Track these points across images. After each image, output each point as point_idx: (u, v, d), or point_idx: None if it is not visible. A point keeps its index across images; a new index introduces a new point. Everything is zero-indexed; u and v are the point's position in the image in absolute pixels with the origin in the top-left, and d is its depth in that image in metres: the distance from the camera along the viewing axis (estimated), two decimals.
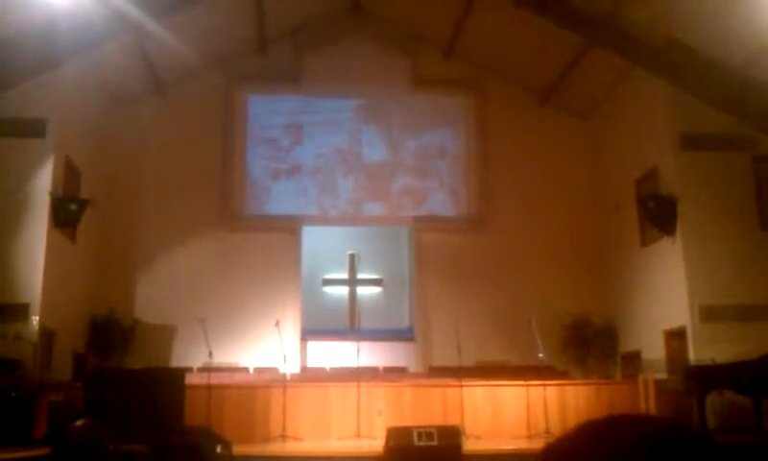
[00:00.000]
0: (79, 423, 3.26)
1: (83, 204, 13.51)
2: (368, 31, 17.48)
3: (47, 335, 12.61)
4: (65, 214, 13.17)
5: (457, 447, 9.01)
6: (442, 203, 17.16)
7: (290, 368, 13.26)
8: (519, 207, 16.93)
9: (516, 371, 13.34)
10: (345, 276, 17.19)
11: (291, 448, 10.51)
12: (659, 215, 13.67)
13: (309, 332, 16.24)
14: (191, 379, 11.35)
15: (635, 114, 15.17)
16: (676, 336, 13.45)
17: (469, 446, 9.75)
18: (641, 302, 14.85)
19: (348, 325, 16.44)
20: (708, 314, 12.96)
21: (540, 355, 12.28)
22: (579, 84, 16.28)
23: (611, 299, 16.07)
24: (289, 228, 16.63)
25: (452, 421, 10.92)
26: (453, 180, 17.31)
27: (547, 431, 11.27)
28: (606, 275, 16.38)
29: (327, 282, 17.21)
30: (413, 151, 17.38)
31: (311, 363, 15.86)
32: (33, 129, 12.98)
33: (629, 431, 0.94)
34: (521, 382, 12.07)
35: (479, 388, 12.02)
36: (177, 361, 14.73)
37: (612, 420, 0.98)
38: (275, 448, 10.45)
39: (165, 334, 15.48)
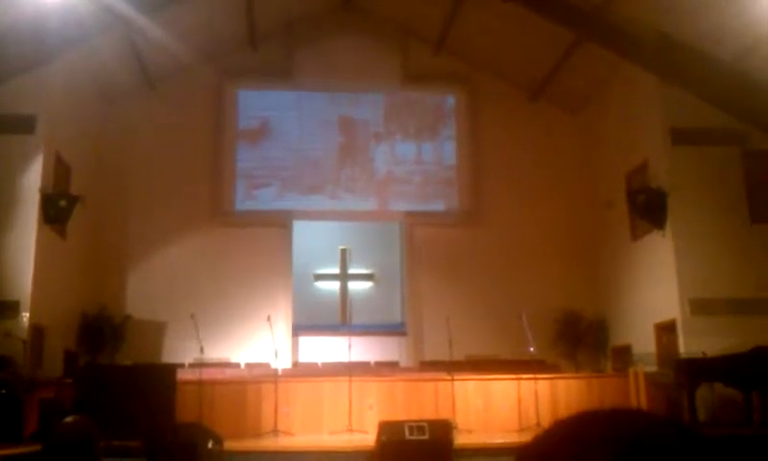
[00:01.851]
0: (69, 419, 3.26)
1: (73, 200, 13.45)
2: (358, 26, 17.48)
3: (37, 332, 12.56)
4: (55, 211, 13.12)
5: (448, 441, 9.03)
6: (433, 197, 17.17)
7: (281, 363, 13.27)
8: (511, 202, 16.97)
9: (507, 365, 13.39)
10: (336, 271, 17.19)
11: (283, 443, 10.53)
12: (649, 209, 13.69)
13: (301, 328, 16.24)
14: (182, 375, 11.36)
15: (625, 109, 15.22)
16: (666, 330, 13.50)
17: (461, 439, 9.77)
18: (632, 295, 14.91)
19: (340, 320, 16.45)
20: (699, 307, 13.01)
21: (531, 349, 12.31)
22: (569, 79, 16.31)
23: (601, 292, 16.13)
24: (280, 223, 16.61)
25: (444, 415, 10.94)
26: (444, 174, 17.32)
27: (538, 425, 11.29)
28: (596, 269, 16.44)
29: (319, 277, 17.21)
30: (404, 146, 17.38)
31: (303, 358, 15.85)
32: (22, 125, 12.92)
33: (599, 428, 0.94)
34: (512, 376, 12.10)
35: (470, 382, 12.04)
36: (168, 357, 14.72)
37: (582, 417, 0.98)
38: (266, 443, 10.46)
39: (156, 330, 15.46)
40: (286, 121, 17.21)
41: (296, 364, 15.39)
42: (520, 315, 12.63)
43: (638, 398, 11.75)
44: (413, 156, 17.41)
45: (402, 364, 15.34)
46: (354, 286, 17.12)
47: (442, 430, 9.12)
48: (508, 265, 16.55)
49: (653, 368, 13.07)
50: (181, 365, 12.67)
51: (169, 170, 16.39)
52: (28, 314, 12.21)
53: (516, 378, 12.03)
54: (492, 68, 17.42)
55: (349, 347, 12.33)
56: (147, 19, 13.55)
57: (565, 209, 16.92)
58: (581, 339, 15.78)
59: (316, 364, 14.76)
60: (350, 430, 11.17)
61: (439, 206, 17.23)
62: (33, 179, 12.85)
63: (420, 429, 8.86)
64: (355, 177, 17.14)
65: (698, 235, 13.30)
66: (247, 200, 16.84)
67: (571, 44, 15.01)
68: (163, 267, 16.02)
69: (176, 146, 16.52)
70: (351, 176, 17.12)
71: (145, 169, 16.33)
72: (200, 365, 11.93)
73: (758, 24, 11.72)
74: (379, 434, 8.96)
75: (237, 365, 14.45)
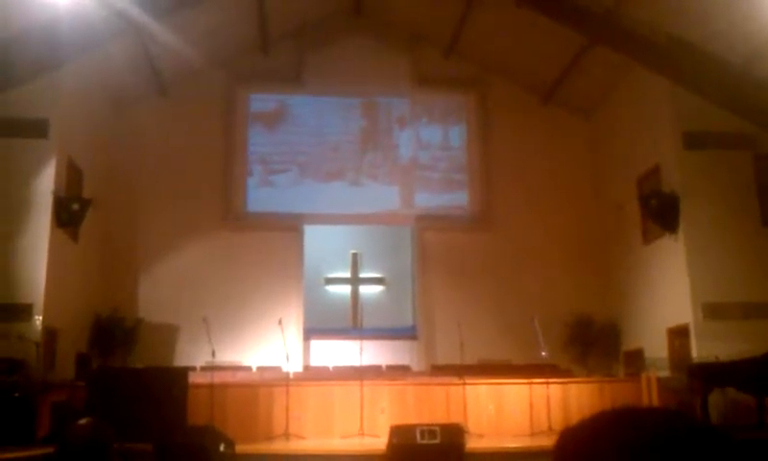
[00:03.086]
0: (82, 421, 3.26)
1: (85, 203, 13.52)
2: (369, 30, 17.50)
3: (50, 335, 12.62)
4: (68, 214, 13.18)
5: (460, 445, 9.02)
6: (444, 201, 17.15)
7: (293, 367, 13.26)
8: (522, 206, 16.93)
9: (518, 369, 13.35)
10: (347, 274, 17.20)
11: (294, 446, 10.52)
12: (661, 213, 13.66)
13: (312, 331, 16.25)
14: (194, 378, 11.38)
15: (636, 112, 15.18)
16: (679, 334, 13.45)
17: (472, 444, 9.76)
18: (644, 300, 14.85)
19: (351, 323, 16.45)
20: (712, 312, 12.96)
21: (543, 353, 12.28)
22: (580, 83, 16.27)
23: (613, 297, 16.08)
24: (291, 227, 16.64)
25: (455, 419, 10.91)
26: (455, 178, 17.31)
27: (550, 429, 11.26)
28: (608, 273, 16.38)
29: (330, 281, 17.23)
30: (414, 150, 17.37)
31: (314, 362, 15.87)
32: (35, 129, 12.98)
33: (647, 421, 0.95)
34: (524, 380, 12.07)
35: (482, 386, 12.02)
36: (180, 360, 14.75)
37: (628, 409, 0.99)
38: (278, 446, 10.46)
39: (168, 333, 15.50)
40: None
41: (307, 368, 15.40)
42: (532, 319, 12.60)
43: (651, 402, 11.70)
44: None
45: (414, 368, 15.31)
46: (365, 290, 17.12)
47: (453, 434, 9.10)
48: (519, 269, 16.52)
49: (665, 373, 13.03)
50: (193, 368, 12.67)
51: (180, 174, 16.44)
52: (41, 317, 12.26)
53: (528, 383, 12.00)
54: (503, 72, 17.41)
55: (361, 350, 12.34)
56: (158, 24, 13.60)
57: (577, 213, 16.88)
58: (593, 343, 15.74)
59: (327, 368, 14.75)
60: (362, 434, 11.16)
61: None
62: (45, 182, 12.91)
63: (432, 433, 8.85)
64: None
65: (710, 239, 13.25)
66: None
67: (582, 48, 14.98)
68: (175, 270, 16.06)
69: (187, 150, 16.57)
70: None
71: (156, 173, 16.39)
72: (211, 368, 11.95)
73: None
74: (391, 438, 8.95)
75: (249, 368, 14.46)
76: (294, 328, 15.51)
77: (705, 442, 0.92)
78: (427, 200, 17.11)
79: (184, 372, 11.17)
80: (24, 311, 12.22)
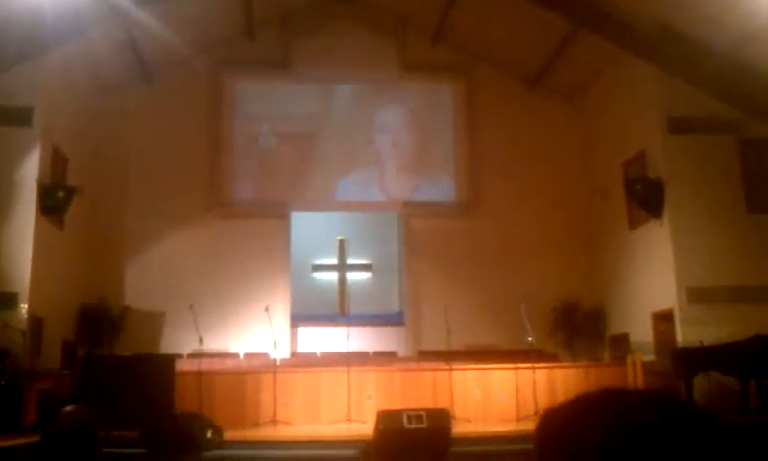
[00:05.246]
0: (68, 409, 3.26)
1: (70, 191, 13.46)
2: (356, 17, 17.42)
3: (36, 323, 12.58)
4: (53, 202, 13.11)
5: (447, 429, 9.04)
6: (431, 188, 17.15)
7: (280, 353, 13.29)
8: (509, 192, 16.96)
9: (505, 354, 13.42)
10: (334, 261, 17.19)
11: (281, 432, 10.55)
12: (646, 198, 13.72)
13: (299, 318, 16.25)
14: (181, 366, 11.38)
15: (623, 98, 15.20)
16: (664, 318, 13.53)
17: (459, 428, 9.78)
18: (629, 284, 14.93)
19: (338, 310, 16.46)
20: (696, 296, 13.04)
21: (530, 338, 12.34)
22: (567, 69, 16.28)
23: (599, 282, 16.16)
24: (278, 214, 16.60)
25: (442, 404, 10.95)
26: (442, 165, 17.31)
27: (536, 413, 11.30)
28: (594, 258, 16.46)
29: (317, 268, 17.21)
30: (402, 137, 17.35)
31: (301, 348, 15.88)
32: (19, 116, 12.90)
33: (629, 402, 0.97)
34: (510, 365, 12.13)
35: (469, 371, 12.07)
36: (167, 348, 14.72)
37: (609, 391, 1.01)
38: (265, 432, 10.48)
39: (155, 321, 15.46)
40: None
41: (294, 354, 15.41)
42: (520, 306, 12.64)
43: (636, 386, 11.77)
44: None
45: (401, 354, 15.36)
46: (352, 277, 17.12)
47: (440, 419, 9.12)
48: (505, 255, 16.56)
49: (650, 357, 13.12)
50: (180, 356, 12.69)
51: (166, 161, 16.36)
52: (26, 305, 12.22)
53: (514, 368, 12.06)
54: (490, 58, 17.39)
55: (348, 337, 12.36)
56: (143, 10, 13.50)
57: (563, 199, 16.91)
58: (578, 328, 15.81)
59: (314, 354, 14.78)
60: (349, 419, 11.20)
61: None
62: (30, 170, 12.84)
63: (419, 418, 8.87)
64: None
65: (695, 224, 13.32)
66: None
67: (568, 34, 14.97)
68: (161, 258, 16.02)
69: (173, 137, 16.49)
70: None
71: (142, 160, 16.31)
72: (198, 355, 11.95)
73: (755, 15, 11.71)
74: (378, 423, 8.96)
75: (236, 355, 14.48)
76: (281, 315, 15.51)
77: (688, 422, 0.92)
78: (414, 186, 17.11)
79: (171, 359, 11.17)
80: (9, 300, 12.18)
